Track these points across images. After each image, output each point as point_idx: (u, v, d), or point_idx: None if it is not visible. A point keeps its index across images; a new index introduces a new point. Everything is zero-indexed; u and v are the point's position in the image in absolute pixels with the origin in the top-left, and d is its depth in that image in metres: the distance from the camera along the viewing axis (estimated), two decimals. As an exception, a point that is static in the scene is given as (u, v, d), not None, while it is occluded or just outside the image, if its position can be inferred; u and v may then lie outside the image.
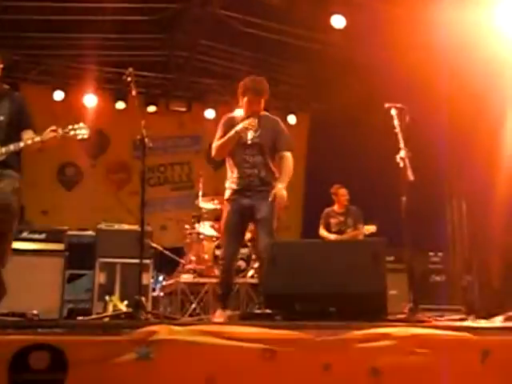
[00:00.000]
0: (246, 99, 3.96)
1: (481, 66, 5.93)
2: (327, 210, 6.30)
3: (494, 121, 5.56)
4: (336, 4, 5.98)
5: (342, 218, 6.20)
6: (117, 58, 7.24)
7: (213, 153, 4.04)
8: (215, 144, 4.01)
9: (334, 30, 6.10)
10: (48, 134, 3.20)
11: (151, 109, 8.11)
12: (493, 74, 5.55)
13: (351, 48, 6.46)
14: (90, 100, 7.79)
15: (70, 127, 3.25)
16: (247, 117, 3.95)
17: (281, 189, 3.84)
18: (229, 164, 4.05)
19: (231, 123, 3.99)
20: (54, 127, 3.22)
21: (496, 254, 5.31)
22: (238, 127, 3.87)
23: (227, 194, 3.99)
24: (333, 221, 6.22)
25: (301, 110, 8.74)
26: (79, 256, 5.34)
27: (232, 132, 3.88)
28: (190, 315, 5.41)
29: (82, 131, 3.27)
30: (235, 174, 3.95)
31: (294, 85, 8.19)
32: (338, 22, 5.96)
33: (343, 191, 6.22)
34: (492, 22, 5.50)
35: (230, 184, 3.98)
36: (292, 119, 8.39)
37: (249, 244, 5.61)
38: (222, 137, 3.98)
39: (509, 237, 4.68)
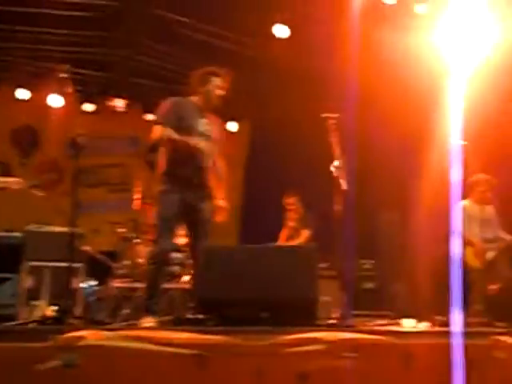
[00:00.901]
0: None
1: (422, 80, 6.20)
2: None
3: (427, 133, 5.80)
4: (280, 13, 6.09)
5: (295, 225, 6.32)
6: (53, 53, 7.03)
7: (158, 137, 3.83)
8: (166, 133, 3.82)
9: (276, 39, 6.20)
10: None
11: (88, 107, 7.92)
12: (432, 87, 5.80)
13: (294, 58, 6.58)
14: (22, 94, 7.55)
15: None
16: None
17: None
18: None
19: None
20: None
21: (424, 263, 5.56)
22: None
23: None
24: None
25: (242, 117, 8.77)
26: (4, 259, 5.14)
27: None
28: (122, 320, 5.31)
29: None
30: None
31: (235, 91, 8.20)
32: (281, 31, 6.07)
33: (290, 200, 6.33)
34: (431, 42, 5.79)
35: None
36: (233, 126, 8.41)
37: (184, 249, 5.58)
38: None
39: (435, 246, 4.91)
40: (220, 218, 3.95)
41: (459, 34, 5.26)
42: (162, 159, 3.95)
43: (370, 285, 5.76)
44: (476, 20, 5.21)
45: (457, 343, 2.45)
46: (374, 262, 6.07)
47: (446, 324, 3.53)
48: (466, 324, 2.76)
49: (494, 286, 4.84)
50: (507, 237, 5.40)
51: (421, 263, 5.56)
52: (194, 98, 4.02)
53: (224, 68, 4.02)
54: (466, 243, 5.31)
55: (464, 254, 5.29)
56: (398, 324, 3.65)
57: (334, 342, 2.35)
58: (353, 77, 5.49)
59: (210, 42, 6.81)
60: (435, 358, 2.48)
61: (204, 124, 3.96)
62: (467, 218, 5.43)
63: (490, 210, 5.59)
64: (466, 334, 2.53)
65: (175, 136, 3.80)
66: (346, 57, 5.48)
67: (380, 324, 3.68)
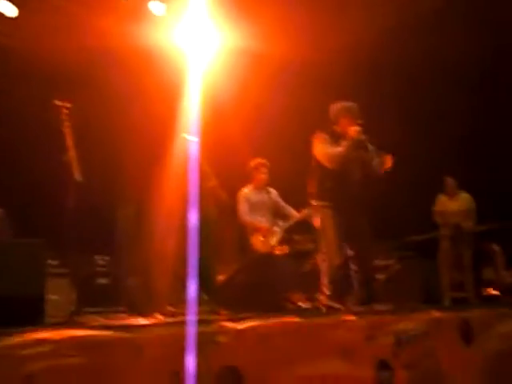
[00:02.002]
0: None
1: (165, 76, 6.34)
2: None
3: (167, 127, 5.97)
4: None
5: None
6: None
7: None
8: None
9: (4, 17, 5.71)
10: None
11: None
12: (171, 84, 5.98)
13: (22, 39, 6.11)
14: None
15: None
16: None
17: None
18: None
19: None
20: None
21: (160, 256, 5.71)
22: None
23: None
24: None
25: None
26: None
27: None
28: None
29: None
30: None
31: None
32: (8, 9, 5.60)
33: None
34: (172, 38, 6.01)
35: None
36: None
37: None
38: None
39: (172, 239, 5.04)
40: None
41: (194, 34, 5.57)
42: None
43: (103, 281, 5.71)
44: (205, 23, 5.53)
45: (189, 332, 2.58)
46: (108, 257, 6.02)
47: (179, 314, 3.71)
48: (197, 313, 2.92)
49: (221, 277, 5.21)
50: (299, 215, 5.50)
51: (157, 256, 5.70)
52: None
53: None
54: (253, 230, 5.43)
55: (252, 242, 5.42)
56: (131, 318, 3.69)
57: (61, 340, 2.27)
58: (88, 67, 5.38)
59: None
60: (167, 348, 2.57)
61: None
62: (249, 204, 5.53)
63: (272, 193, 5.73)
64: (196, 322, 2.68)
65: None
66: (80, 46, 5.33)
67: (112, 319, 3.68)
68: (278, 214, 5.67)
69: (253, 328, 2.91)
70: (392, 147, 4.76)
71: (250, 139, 6.88)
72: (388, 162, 4.57)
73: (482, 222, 6.93)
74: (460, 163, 7.15)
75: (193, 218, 2.68)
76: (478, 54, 6.63)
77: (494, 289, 6.90)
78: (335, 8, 6.63)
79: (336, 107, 4.70)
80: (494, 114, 7.16)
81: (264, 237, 5.42)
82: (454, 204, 6.95)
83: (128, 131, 6.46)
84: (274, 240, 5.44)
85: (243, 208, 5.56)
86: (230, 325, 2.88)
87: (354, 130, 4.48)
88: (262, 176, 5.67)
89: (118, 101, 6.42)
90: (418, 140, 7.29)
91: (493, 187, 7.05)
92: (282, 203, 5.72)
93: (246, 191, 5.64)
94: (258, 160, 5.74)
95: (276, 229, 5.53)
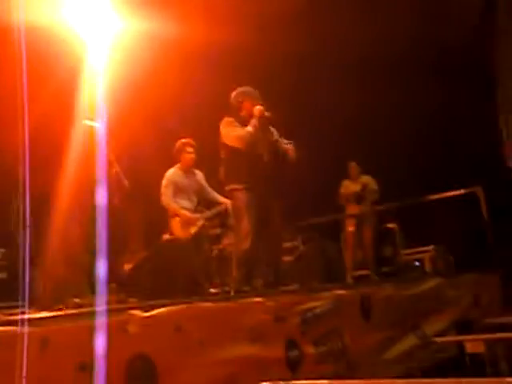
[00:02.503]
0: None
1: (60, 64, 6.03)
2: None
3: (67, 113, 5.72)
4: None
5: None
6: None
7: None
8: None
9: None
10: None
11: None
12: (69, 68, 5.72)
13: None
14: None
15: None
16: None
17: None
18: None
19: None
20: None
21: (58, 250, 5.48)
22: None
23: None
24: None
25: None
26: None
27: None
28: None
29: None
30: None
31: None
32: None
33: None
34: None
35: None
36: None
37: None
38: None
39: (71, 230, 4.87)
40: None
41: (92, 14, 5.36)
42: None
43: (1, 275, 5.43)
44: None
45: (97, 322, 2.54)
46: (5, 250, 5.71)
47: (86, 305, 3.62)
48: (105, 302, 2.87)
49: (128, 265, 5.12)
50: (223, 201, 5.35)
51: (54, 250, 5.48)
52: None
53: None
54: (173, 214, 5.29)
55: (171, 226, 5.29)
56: (33, 312, 3.54)
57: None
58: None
59: None
60: (73, 339, 2.52)
61: None
62: (175, 187, 5.37)
63: (198, 175, 5.59)
64: (104, 312, 2.64)
65: None
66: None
67: (12, 313, 3.51)
68: (202, 197, 5.57)
69: (162, 315, 2.91)
70: (300, 137, 4.91)
71: (162, 124, 6.77)
72: (291, 150, 4.72)
73: (383, 202, 7.31)
74: (364, 150, 7.44)
75: (100, 204, 2.62)
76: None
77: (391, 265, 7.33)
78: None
79: (237, 93, 4.83)
80: (395, 106, 7.45)
81: (185, 224, 5.31)
82: (356, 187, 7.23)
83: (22, 120, 6.11)
84: (193, 229, 5.33)
85: (167, 192, 5.40)
86: (138, 313, 2.85)
87: (258, 110, 4.64)
88: (189, 156, 5.53)
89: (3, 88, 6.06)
90: (323, 128, 7.53)
91: (394, 171, 7.41)
92: (208, 188, 5.62)
93: (172, 173, 5.49)
94: (184, 140, 5.59)
95: (197, 216, 5.42)
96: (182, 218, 5.28)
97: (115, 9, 6.08)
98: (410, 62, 7.31)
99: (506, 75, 7.50)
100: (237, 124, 4.69)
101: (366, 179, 7.25)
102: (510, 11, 7.27)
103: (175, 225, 5.30)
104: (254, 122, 4.63)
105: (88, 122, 4.51)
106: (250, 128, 4.60)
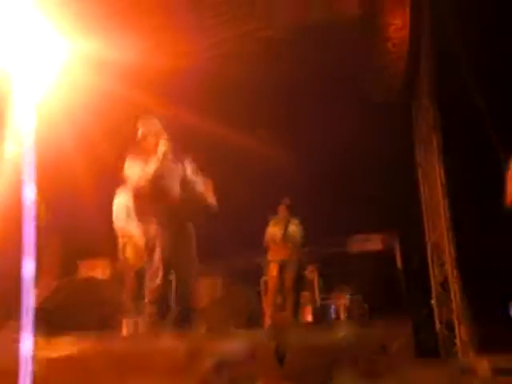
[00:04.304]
0: None
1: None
2: None
3: None
4: None
5: None
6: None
7: None
8: None
9: None
10: None
11: None
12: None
13: None
14: None
15: None
16: None
17: None
18: None
19: None
20: None
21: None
22: None
23: None
24: None
25: None
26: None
27: None
28: None
29: None
30: None
31: None
32: None
33: None
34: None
35: None
36: None
37: None
38: None
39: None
40: None
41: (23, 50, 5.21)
42: None
43: None
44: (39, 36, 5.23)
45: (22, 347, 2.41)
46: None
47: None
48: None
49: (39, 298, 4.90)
50: None
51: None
52: None
53: None
54: (127, 240, 5.22)
55: (125, 252, 5.19)
56: None
57: None
58: None
59: None
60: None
61: None
62: (125, 210, 5.33)
63: None
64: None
65: None
66: None
67: None
68: None
69: (67, 356, 2.81)
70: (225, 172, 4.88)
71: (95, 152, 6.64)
72: (210, 187, 4.67)
73: (306, 246, 7.37)
74: (290, 192, 7.50)
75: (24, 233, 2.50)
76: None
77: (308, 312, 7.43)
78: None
79: (142, 124, 4.72)
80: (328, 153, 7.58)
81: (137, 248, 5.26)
82: (281, 231, 7.20)
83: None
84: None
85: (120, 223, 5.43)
86: (42, 353, 2.74)
87: (161, 144, 4.53)
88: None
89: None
90: (252, 166, 7.58)
91: (316, 216, 7.51)
92: None
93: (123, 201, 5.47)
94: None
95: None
96: (135, 244, 5.23)
97: (62, 32, 5.96)
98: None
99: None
100: (140, 160, 4.56)
101: (293, 223, 7.22)
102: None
103: (129, 250, 5.32)
104: (156, 158, 4.51)
105: (14, 148, 4.38)
106: (152, 166, 4.48)
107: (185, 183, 4.67)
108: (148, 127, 4.69)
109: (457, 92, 6.69)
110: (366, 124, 7.24)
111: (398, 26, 6.64)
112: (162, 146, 4.52)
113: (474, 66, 6.12)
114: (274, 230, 7.24)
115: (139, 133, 4.68)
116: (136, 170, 4.52)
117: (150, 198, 4.51)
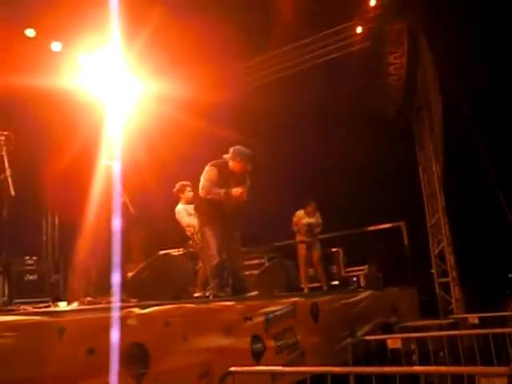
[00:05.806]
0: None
1: (89, 114, 6.07)
2: None
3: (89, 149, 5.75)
4: None
5: None
6: None
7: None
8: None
9: None
10: None
11: None
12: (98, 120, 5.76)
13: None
14: None
15: None
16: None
17: None
18: None
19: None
20: None
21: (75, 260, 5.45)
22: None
23: None
24: None
25: None
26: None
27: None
28: None
29: None
30: None
31: None
32: None
33: None
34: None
35: None
36: None
37: None
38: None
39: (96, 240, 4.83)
40: None
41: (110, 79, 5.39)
42: None
43: (32, 277, 5.38)
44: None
45: (106, 316, 2.52)
46: (36, 257, 5.68)
47: (96, 303, 3.60)
48: (111, 301, 2.85)
49: (130, 274, 5.08)
50: None
51: (75, 259, 5.46)
52: None
53: None
54: (192, 230, 5.35)
55: (194, 238, 5.36)
56: (54, 306, 3.52)
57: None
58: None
59: None
60: (84, 329, 2.50)
61: None
62: (185, 212, 5.50)
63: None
64: (111, 309, 2.62)
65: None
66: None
67: (38, 307, 3.48)
68: None
69: (155, 312, 2.91)
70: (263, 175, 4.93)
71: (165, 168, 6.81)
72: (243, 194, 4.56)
73: (329, 231, 7.43)
74: (314, 189, 7.54)
75: (116, 225, 2.64)
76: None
77: (336, 280, 7.41)
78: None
79: (236, 149, 4.63)
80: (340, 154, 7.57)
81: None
82: (309, 220, 7.20)
83: (54, 158, 6.14)
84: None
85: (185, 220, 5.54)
86: (136, 310, 2.85)
87: (237, 192, 4.47)
88: (189, 194, 5.63)
89: (43, 131, 6.10)
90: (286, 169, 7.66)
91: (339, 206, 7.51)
92: None
93: (181, 207, 5.61)
94: (182, 182, 5.72)
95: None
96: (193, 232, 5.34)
97: (135, 74, 6.13)
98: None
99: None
100: (216, 178, 4.51)
101: (317, 216, 7.23)
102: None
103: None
104: (225, 195, 4.45)
105: (107, 162, 4.56)
106: (220, 193, 4.45)
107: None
108: (239, 154, 4.60)
109: (447, 103, 6.68)
110: (378, 136, 7.26)
111: (398, 54, 6.75)
112: (238, 193, 4.47)
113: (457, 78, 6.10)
114: (304, 220, 7.23)
115: (232, 154, 4.58)
116: (209, 187, 4.53)
117: (211, 207, 4.58)
